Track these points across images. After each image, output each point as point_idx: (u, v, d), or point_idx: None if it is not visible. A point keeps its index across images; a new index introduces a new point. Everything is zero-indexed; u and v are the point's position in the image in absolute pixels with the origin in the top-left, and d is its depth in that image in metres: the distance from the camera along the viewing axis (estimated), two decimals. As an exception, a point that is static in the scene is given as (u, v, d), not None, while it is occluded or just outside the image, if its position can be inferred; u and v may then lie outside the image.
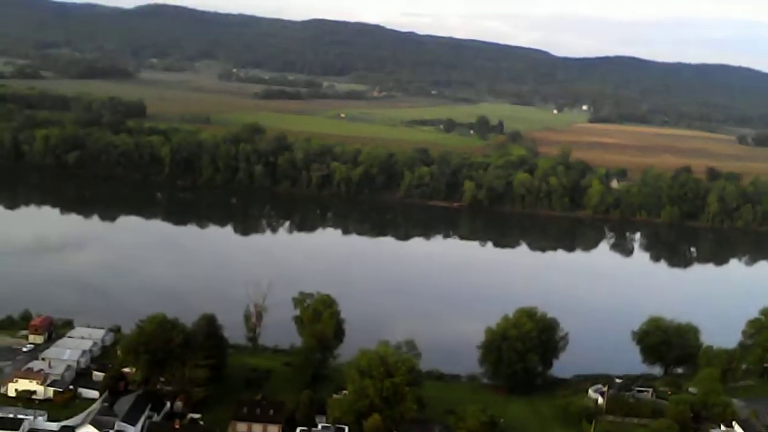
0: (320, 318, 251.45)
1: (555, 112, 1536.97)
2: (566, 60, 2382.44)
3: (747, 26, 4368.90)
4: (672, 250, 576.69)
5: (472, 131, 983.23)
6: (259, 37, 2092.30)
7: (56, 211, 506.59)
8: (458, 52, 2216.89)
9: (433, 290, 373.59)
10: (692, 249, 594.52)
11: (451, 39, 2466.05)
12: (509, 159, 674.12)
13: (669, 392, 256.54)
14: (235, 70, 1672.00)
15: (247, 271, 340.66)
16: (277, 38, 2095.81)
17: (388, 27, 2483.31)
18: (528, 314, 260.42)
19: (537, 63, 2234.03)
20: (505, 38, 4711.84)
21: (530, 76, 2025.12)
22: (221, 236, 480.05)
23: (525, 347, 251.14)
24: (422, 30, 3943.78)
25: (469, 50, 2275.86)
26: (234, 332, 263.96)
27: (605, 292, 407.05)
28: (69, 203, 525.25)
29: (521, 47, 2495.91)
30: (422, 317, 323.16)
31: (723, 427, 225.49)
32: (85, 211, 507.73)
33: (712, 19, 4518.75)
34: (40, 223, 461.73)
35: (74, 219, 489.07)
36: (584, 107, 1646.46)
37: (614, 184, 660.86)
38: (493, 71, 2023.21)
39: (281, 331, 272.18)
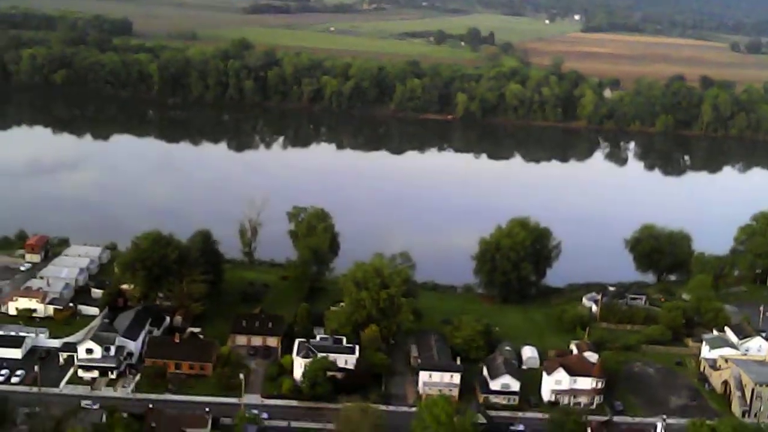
0: (315, 231, 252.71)
1: (547, 22, 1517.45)
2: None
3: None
4: (666, 158, 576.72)
5: (463, 43, 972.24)
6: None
7: (48, 131, 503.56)
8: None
9: (428, 203, 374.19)
10: (686, 157, 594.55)
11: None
12: (501, 70, 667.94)
13: (662, 299, 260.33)
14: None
15: (241, 188, 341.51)
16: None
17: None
18: (521, 224, 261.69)
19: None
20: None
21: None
22: (215, 153, 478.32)
23: (518, 256, 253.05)
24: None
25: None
26: (230, 248, 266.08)
27: (599, 202, 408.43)
28: (60, 123, 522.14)
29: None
30: (417, 230, 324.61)
31: (715, 332, 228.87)
32: (77, 130, 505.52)
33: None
34: (31, 143, 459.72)
35: (66, 138, 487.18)
36: (576, 17, 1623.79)
37: (607, 93, 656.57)
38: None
39: (277, 245, 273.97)
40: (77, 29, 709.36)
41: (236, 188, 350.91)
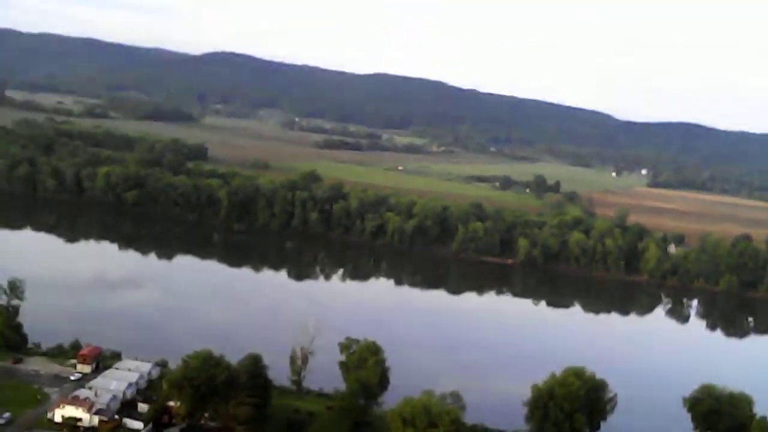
0: (365, 364, 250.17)
1: (614, 174, 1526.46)
2: (628, 124, 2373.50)
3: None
4: (729, 319, 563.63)
5: (528, 189, 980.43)
6: (322, 89, 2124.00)
7: (114, 246, 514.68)
8: (519, 110, 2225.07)
9: (483, 347, 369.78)
10: (750, 319, 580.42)
11: (512, 98, 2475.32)
12: (564, 219, 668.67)
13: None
14: (297, 120, 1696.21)
15: (296, 316, 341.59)
16: (340, 90, 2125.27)
17: (450, 84, 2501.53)
18: (576, 373, 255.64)
19: (598, 125, 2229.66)
20: (566, 100, 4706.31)
21: (590, 139, 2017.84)
22: (274, 280, 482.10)
23: (572, 407, 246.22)
24: (484, 89, 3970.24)
25: (529, 110, 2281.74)
26: (279, 375, 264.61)
27: (658, 358, 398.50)
28: (126, 240, 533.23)
29: (582, 108, 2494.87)
30: (469, 372, 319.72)
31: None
32: (142, 248, 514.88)
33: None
34: (97, 258, 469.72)
35: (131, 255, 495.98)
36: (643, 172, 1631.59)
37: (672, 249, 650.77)
38: (552, 131, 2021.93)
39: (326, 375, 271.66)
40: (154, 151, 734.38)
41: (292, 316, 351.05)
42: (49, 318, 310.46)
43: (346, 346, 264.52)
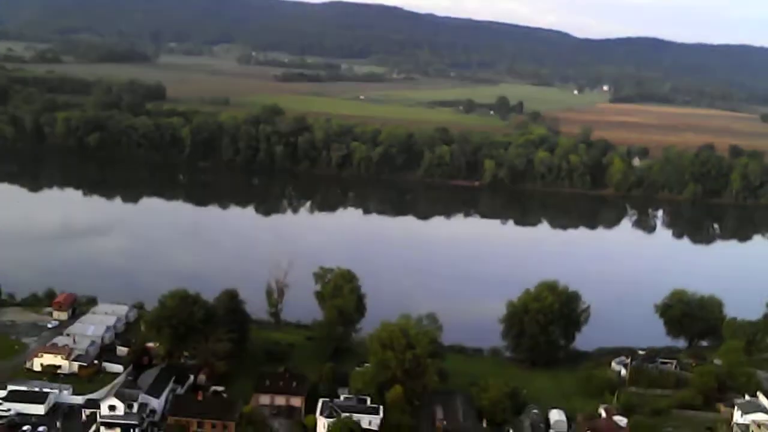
0: (341, 292, 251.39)
1: (575, 92, 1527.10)
2: (587, 41, 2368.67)
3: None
4: (695, 226, 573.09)
5: (492, 112, 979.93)
6: (278, 20, 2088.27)
7: (78, 193, 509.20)
8: (477, 33, 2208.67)
9: (455, 268, 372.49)
10: (715, 226, 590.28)
11: (470, 21, 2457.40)
12: (529, 138, 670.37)
13: (693, 364, 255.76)
14: (254, 54, 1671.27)
15: (268, 251, 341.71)
16: (296, 21, 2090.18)
17: (407, 8, 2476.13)
18: (549, 287, 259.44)
19: (557, 44, 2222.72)
20: (524, 20, 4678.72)
21: (550, 58, 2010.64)
22: (243, 217, 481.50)
23: (546, 320, 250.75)
24: (441, 12, 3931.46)
25: (488, 32, 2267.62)
26: (257, 309, 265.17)
27: (628, 268, 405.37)
28: (91, 185, 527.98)
29: (541, 29, 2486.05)
30: (444, 294, 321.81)
31: (747, 397, 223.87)
32: (108, 193, 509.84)
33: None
34: (63, 205, 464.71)
35: (97, 201, 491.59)
36: (605, 88, 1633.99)
37: (636, 162, 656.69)
38: (512, 53, 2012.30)
39: (303, 307, 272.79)
40: (112, 94, 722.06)
41: (264, 251, 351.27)
42: (21, 269, 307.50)
43: (320, 276, 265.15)
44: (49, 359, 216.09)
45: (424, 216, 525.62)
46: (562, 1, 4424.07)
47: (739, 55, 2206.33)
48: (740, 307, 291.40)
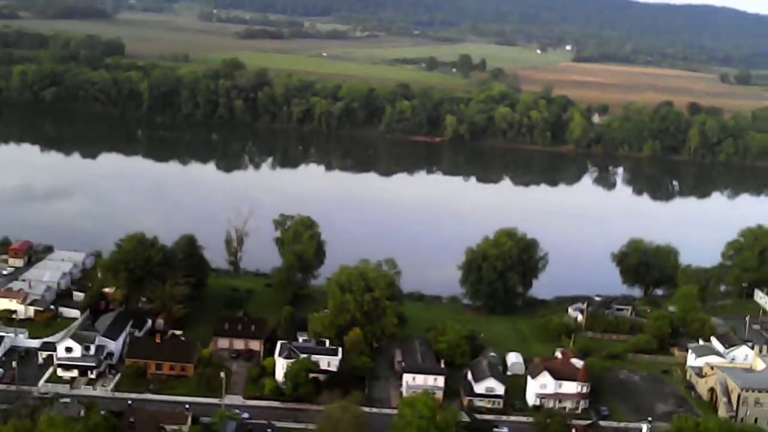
0: (301, 239, 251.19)
1: (538, 51, 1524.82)
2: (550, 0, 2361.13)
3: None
4: (654, 183, 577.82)
5: (454, 69, 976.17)
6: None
7: (35, 148, 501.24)
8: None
9: (416, 225, 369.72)
10: (674, 183, 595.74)
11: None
12: (491, 94, 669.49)
13: (648, 310, 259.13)
14: (215, 11, 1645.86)
15: (228, 204, 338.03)
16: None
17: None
18: (508, 234, 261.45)
19: (520, 2, 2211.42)
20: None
21: (514, 16, 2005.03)
22: (203, 173, 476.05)
23: (505, 266, 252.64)
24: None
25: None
26: (216, 257, 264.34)
27: (587, 221, 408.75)
28: (48, 141, 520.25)
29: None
30: (404, 244, 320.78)
31: (701, 342, 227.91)
32: (65, 148, 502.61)
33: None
34: (20, 161, 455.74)
35: (55, 157, 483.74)
36: (568, 47, 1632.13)
37: (596, 118, 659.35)
38: (476, 11, 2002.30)
39: (263, 257, 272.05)
40: (69, 48, 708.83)
41: (224, 206, 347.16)
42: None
43: (280, 223, 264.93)
44: (4, 303, 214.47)
45: (386, 173, 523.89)
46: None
47: (701, 15, 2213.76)
48: (696, 257, 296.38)
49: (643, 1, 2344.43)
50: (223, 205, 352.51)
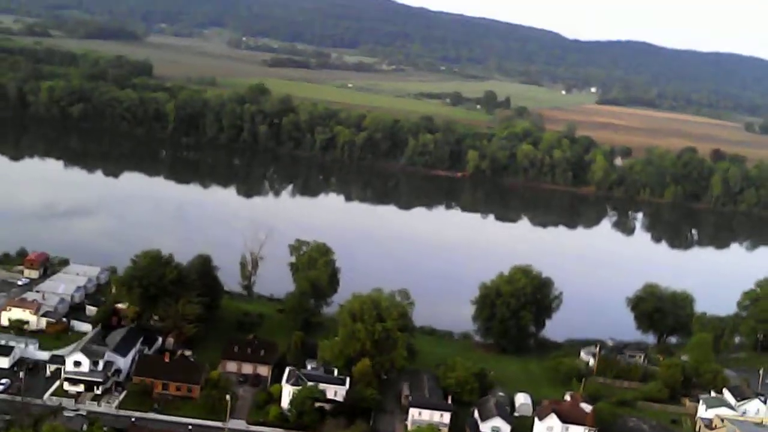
0: (315, 265, 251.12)
1: (563, 92, 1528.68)
2: (576, 42, 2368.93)
3: (760, 16, 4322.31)
4: (673, 231, 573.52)
5: (478, 106, 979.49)
6: (269, 7, 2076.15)
7: (59, 164, 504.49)
8: (468, 29, 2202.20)
9: (432, 259, 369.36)
10: (694, 231, 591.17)
11: (461, 16, 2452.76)
12: (514, 131, 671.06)
13: (661, 358, 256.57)
14: (244, 38, 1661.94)
15: (246, 229, 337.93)
16: (287, 8, 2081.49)
17: (399, 1, 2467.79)
18: (523, 271, 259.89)
19: (547, 44, 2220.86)
20: (515, 18, 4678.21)
21: (540, 57, 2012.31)
22: (223, 196, 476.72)
23: (518, 303, 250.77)
24: (433, 6, 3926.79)
25: (479, 28, 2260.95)
26: (230, 280, 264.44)
27: (604, 266, 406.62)
28: (73, 156, 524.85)
29: (532, 27, 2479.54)
30: (419, 278, 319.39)
31: (713, 393, 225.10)
32: (89, 165, 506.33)
33: (726, 9, 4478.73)
34: (43, 176, 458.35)
35: (78, 173, 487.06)
36: (593, 89, 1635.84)
37: (618, 161, 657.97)
38: (502, 50, 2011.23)
39: (277, 281, 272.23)
40: (98, 67, 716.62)
41: (241, 230, 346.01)
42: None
43: (296, 248, 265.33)
44: (17, 314, 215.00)
45: (405, 206, 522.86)
46: (554, 1, 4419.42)
47: (728, 63, 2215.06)
48: (712, 305, 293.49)
49: (671, 47, 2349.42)
50: (241, 229, 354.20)
